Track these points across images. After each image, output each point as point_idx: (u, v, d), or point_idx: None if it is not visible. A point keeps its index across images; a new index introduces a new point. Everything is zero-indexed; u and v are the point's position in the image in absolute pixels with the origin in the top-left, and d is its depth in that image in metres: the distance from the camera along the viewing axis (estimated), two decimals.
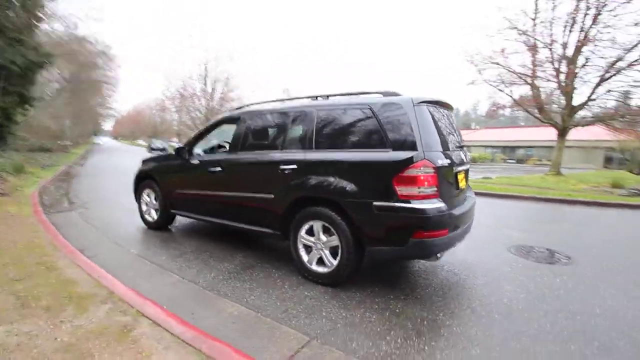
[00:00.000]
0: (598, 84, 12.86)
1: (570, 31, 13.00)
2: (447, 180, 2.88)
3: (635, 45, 11.72)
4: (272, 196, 3.36)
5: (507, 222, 6.05)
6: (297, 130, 3.38)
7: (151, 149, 37.33)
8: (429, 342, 2.24)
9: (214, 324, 2.36)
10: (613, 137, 20.07)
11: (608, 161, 30.96)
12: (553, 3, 12.97)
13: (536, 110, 14.64)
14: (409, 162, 2.62)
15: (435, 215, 2.60)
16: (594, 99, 13.29)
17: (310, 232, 3.18)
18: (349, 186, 2.85)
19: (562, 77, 13.25)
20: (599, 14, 11.81)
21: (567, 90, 13.05)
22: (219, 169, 3.86)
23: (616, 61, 12.17)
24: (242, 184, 3.68)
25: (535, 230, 5.47)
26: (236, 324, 2.40)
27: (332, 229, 2.97)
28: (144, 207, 5.02)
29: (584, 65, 12.75)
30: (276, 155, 3.41)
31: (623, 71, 12.05)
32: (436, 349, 2.17)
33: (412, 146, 2.66)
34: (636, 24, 11.64)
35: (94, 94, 31.05)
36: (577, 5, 12.50)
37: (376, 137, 2.85)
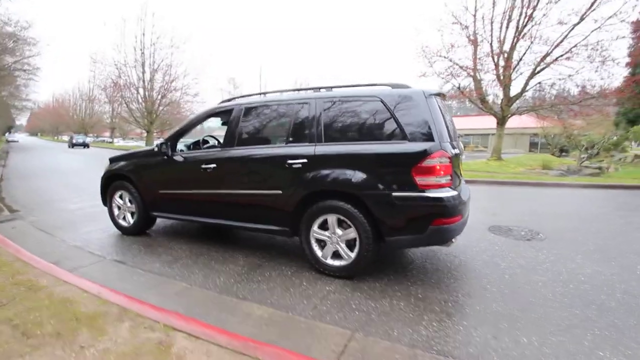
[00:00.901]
0: (530, 77, 14.41)
1: (507, 28, 14.32)
2: (454, 169, 3.04)
3: (561, 42, 13.32)
4: (280, 192, 3.25)
5: (475, 204, 6.57)
6: (302, 123, 3.29)
7: (72, 145, 33.65)
8: (461, 322, 2.39)
9: (249, 330, 2.26)
10: (537, 125, 22.67)
11: (533, 146, 35.04)
12: (493, 1, 14.12)
13: (479, 101, 15.96)
14: (427, 153, 2.72)
15: (452, 202, 2.75)
16: (527, 90, 14.89)
17: (323, 226, 3.15)
18: (367, 178, 2.87)
19: (501, 70, 14.58)
20: (533, 12, 13.15)
21: (506, 83, 14.42)
22: (212, 165, 3.62)
23: (545, 56, 13.72)
24: (242, 181, 3.50)
25: (502, 211, 6.03)
26: (271, 326, 2.32)
27: (349, 222, 2.98)
28: (115, 211, 4.53)
29: (520, 60, 14.15)
30: (281, 149, 3.30)
31: (552, 65, 13.65)
32: (470, 327, 2.32)
33: (429, 137, 2.76)
34: (560, 23, 13.21)
35: (6, 83, 26.80)
36: (512, 4, 13.78)
37: (390, 129, 2.90)
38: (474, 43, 15.36)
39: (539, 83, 14.58)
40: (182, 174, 3.93)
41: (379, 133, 2.94)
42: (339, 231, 3.07)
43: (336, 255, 3.13)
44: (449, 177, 2.81)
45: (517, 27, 13.76)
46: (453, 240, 2.92)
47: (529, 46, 14.06)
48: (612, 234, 4.56)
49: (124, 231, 4.47)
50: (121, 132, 55.29)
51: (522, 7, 13.47)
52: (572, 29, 12.89)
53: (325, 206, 3.06)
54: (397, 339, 2.20)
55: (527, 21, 13.42)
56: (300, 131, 3.29)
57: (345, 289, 2.89)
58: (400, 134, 2.84)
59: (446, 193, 2.74)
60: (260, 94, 3.85)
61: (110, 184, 4.52)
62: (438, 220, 2.74)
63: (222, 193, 3.60)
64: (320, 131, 3.15)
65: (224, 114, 3.85)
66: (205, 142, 4.62)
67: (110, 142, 44.34)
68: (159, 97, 29.11)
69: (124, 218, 4.48)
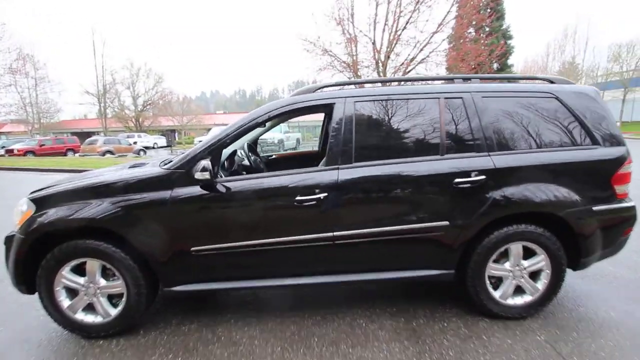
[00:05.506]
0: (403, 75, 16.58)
1: (383, 31, 15.89)
2: None
3: (422, 48, 15.80)
4: (446, 223, 2.32)
5: None
6: (458, 125, 2.41)
7: None
8: None
9: None
10: None
11: None
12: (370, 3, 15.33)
13: None
14: (625, 158, 2.42)
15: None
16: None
17: (497, 259, 2.45)
18: (568, 193, 2.35)
19: (381, 67, 16.15)
20: (409, 20, 15.01)
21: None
22: (319, 196, 2.25)
23: (413, 58, 16.03)
24: (377, 215, 2.33)
25: None
26: None
27: (538, 248, 2.40)
28: (63, 300, 2.32)
29: (403, 63, 16.00)
30: (440, 164, 2.34)
31: (417, 67, 16.11)
32: None
33: (619, 141, 2.46)
34: (421, 32, 15.63)
35: None
36: (387, 10, 15.34)
37: (574, 132, 2.44)
38: (354, 40, 16.37)
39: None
40: (246, 214, 2.31)
41: (563, 136, 2.43)
42: (525, 262, 2.44)
43: (517, 292, 2.50)
44: None
45: (395, 31, 15.44)
46: None
47: (395, 50, 16.06)
48: None
49: (92, 331, 2.36)
50: None
51: (395, 14, 15.18)
52: (432, 36, 15.51)
53: (511, 233, 2.36)
54: None
55: (404, 28, 15.25)
56: (458, 137, 2.41)
57: (557, 334, 2.32)
58: (588, 138, 2.43)
59: (632, 200, 2.54)
60: (353, 83, 2.64)
61: (43, 249, 2.26)
62: (628, 229, 2.52)
63: (341, 236, 2.30)
64: (490, 136, 2.38)
65: (313, 109, 2.46)
66: (237, 156, 2.91)
67: None
68: None
69: (90, 309, 2.36)
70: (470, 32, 24.26)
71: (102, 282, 2.33)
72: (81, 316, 2.35)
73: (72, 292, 2.35)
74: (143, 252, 2.26)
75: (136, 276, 2.28)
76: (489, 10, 23.97)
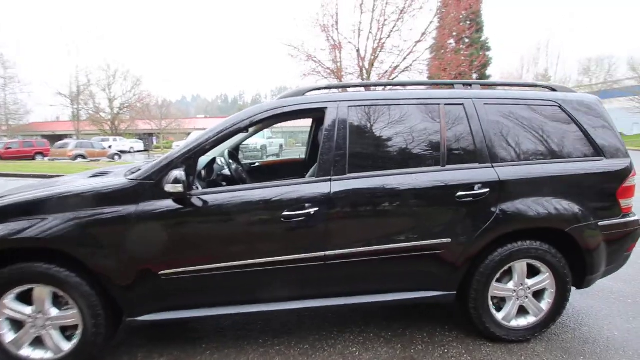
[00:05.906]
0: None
1: (368, 39, 15.93)
2: None
3: (406, 57, 15.94)
4: (448, 240, 2.12)
5: None
6: (459, 134, 2.23)
7: None
8: None
9: None
10: None
11: None
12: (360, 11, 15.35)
13: None
14: (629, 170, 2.32)
15: None
16: None
17: (499, 278, 2.28)
18: (574, 207, 2.21)
19: (365, 75, 16.16)
20: (393, 28, 15.09)
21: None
22: (309, 211, 2.00)
23: (397, 67, 16.13)
24: (373, 232, 2.12)
25: None
26: None
27: (543, 266, 2.25)
28: (8, 334, 1.97)
29: (387, 71, 16.05)
30: (441, 175, 2.15)
31: (403, 72, 16.20)
32: None
33: (624, 153, 2.36)
34: (405, 41, 15.77)
35: None
36: (371, 18, 15.39)
37: (579, 142, 2.32)
38: (338, 47, 16.33)
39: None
40: (226, 232, 2.05)
41: (566, 148, 2.31)
42: (529, 281, 2.27)
43: (520, 312, 2.33)
44: None
45: (379, 39, 15.50)
46: None
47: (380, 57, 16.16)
48: None
49: None
50: None
51: (379, 22, 15.26)
52: (415, 45, 15.67)
53: (516, 250, 2.19)
54: None
55: (388, 37, 15.34)
56: (460, 146, 2.22)
57: (564, 358, 2.15)
58: (592, 149, 2.31)
59: (635, 215, 2.43)
60: (347, 85, 2.43)
61: None
62: (632, 245, 2.41)
63: (333, 255, 2.05)
64: (493, 146, 2.22)
65: (302, 114, 2.23)
66: (210, 165, 2.62)
67: None
68: None
69: (39, 343, 2.01)
70: (450, 43, 24.94)
71: (54, 312, 1.98)
72: (27, 352, 2.00)
73: (16, 324, 1.99)
74: (102, 276, 1.94)
75: (94, 305, 1.95)
76: (468, 22, 24.67)
